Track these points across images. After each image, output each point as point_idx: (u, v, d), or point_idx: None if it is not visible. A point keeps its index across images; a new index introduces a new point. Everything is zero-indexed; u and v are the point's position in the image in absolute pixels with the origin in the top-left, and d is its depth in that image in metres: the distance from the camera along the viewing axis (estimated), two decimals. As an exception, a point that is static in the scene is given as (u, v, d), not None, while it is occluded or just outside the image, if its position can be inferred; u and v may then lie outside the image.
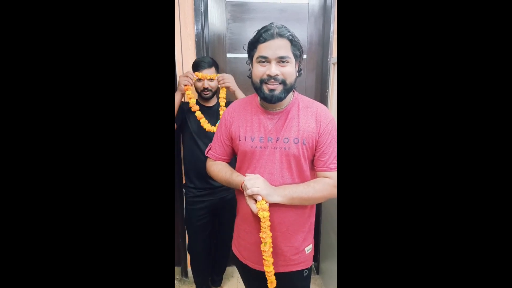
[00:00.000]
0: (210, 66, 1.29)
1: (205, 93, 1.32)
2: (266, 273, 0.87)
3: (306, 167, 0.86)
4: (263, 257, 0.85)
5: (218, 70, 1.34)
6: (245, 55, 1.60)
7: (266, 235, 0.82)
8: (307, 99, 0.90)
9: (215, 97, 1.39)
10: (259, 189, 0.78)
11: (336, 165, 0.84)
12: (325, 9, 1.56)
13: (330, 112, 0.88)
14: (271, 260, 0.85)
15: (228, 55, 1.59)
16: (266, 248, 0.83)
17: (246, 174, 0.83)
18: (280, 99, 0.80)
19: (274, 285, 0.89)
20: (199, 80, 1.29)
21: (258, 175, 0.82)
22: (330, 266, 1.56)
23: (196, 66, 1.29)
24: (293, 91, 0.89)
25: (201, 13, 1.44)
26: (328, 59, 1.55)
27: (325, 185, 0.83)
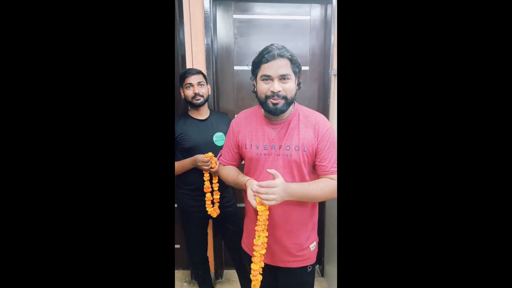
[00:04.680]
0: (198, 73, 1.37)
1: (197, 99, 1.35)
2: (252, 271, 0.89)
3: (306, 171, 0.94)
4: (254, 252, 0.89)
5: (206, 80, 1.41)
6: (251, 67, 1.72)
7: (260, 229, 0.87)
8: (307, 110, 0.99)
9: (207, 108, 1.44)
10: (276, 201, 0.81)
11: (336, 168, 0.92)
12: (325, 23, 1.66)
13: (328, 121, 0.97)
14: (260, 258, 0.88)
15: (235, 67, 1.69)
16: (259, 242, 0.87)
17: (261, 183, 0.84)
18: (282, 111, 0.90)
19: (257, 286, 0.91)
20: (188, 87, 1.34)
21: (277, 182, 0.82)
22: (335, 269, 1.61)
23: (184, 73, 1.36)
24: (294, 103, 0.97)
25: (210, 28, 1.55)
26: (329, 70, 1.64)
27: (328, 186, 0.91)
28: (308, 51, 1.70)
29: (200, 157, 1.29)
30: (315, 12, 1.67)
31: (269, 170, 0.85)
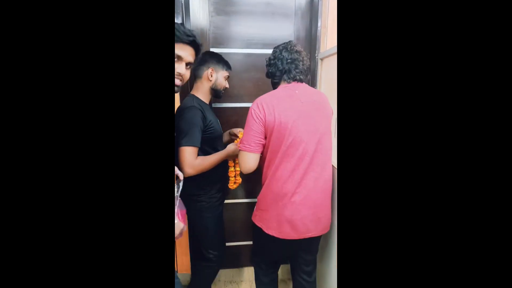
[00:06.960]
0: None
1: (223, 93, 1.31)
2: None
3: None
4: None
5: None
6: (229, 50, 1.53)
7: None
8: (274, 91, 1.08)
9: None
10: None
11: (242, 146, 1.03)
12: (312, 3, 1.50)
13: (253, 104, 1.02)
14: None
15: (212, 49, 1.50)
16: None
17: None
18: None
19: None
20: (226, 78, 1.30)
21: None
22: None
23: (227, 62, 1.31)
24: (286, 81, 1.08)
25: (181, 4, 1.35)
26: (316, 54, 1.50)
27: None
28: (292, 33, 1.54)
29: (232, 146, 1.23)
30: (301, -11, 1.50)
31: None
